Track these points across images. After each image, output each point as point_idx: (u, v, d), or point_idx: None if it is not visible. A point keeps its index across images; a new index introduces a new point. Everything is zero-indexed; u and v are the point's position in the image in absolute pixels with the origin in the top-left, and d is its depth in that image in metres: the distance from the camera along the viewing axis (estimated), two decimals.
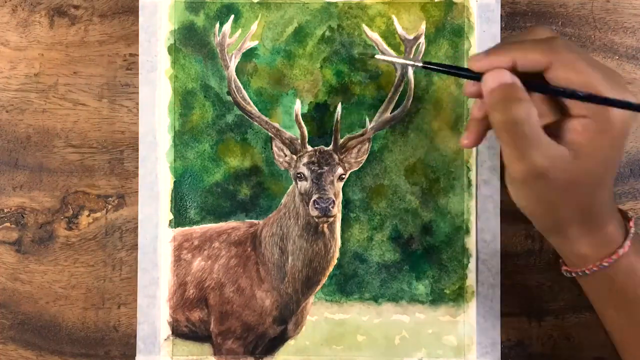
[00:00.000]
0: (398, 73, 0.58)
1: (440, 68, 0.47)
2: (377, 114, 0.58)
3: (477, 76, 0.44)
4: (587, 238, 0.45)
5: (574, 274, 0.48)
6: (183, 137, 0.58)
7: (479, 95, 0.44)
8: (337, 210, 0.57)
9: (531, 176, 0.41)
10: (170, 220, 0.59)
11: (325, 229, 0.58)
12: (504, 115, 0.41)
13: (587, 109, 0.41)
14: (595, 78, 0.41)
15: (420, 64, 0.47)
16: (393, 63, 0.57)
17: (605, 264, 0.45)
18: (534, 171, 0.41)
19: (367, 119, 0.58)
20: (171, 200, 0.58)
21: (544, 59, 0.41)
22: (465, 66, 0.50)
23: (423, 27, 0.58)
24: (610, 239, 0.45)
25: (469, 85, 0.46)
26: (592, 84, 0.41)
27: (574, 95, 0.41)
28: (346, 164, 0.58)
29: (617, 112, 0.41)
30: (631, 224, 0.46)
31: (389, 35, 0.58)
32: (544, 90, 0.43)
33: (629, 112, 0.41)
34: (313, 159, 0.58)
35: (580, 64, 0.41)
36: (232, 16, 0.58)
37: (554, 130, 0.43)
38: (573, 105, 0.42)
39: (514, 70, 0.43)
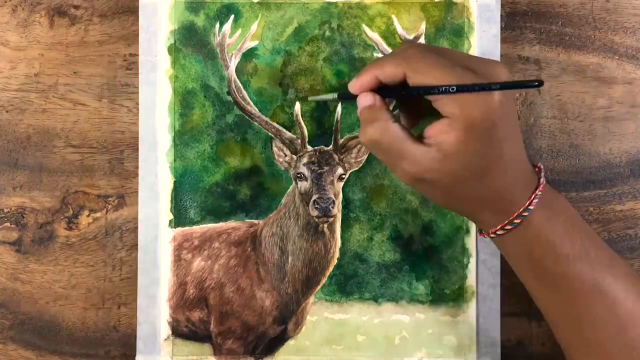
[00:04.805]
0: None
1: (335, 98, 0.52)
2: None
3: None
4: (495, 216, 0.45)
5: (487, 237, 0.47)
6: (183, 137, 0.58)
7: None
8: (337, 210, 0.57)
9: (410, 181, 0.45)
10: (170, 220, 0.59)
11: (325, 229, 0.58)
12: (364, 136, 0.45)
13: (449, 108, 0.42)
14: (445, 75, 0.42)
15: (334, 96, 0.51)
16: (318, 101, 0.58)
17: (509, 227, 0.44)
18: (410, 177, 0.44)
19: None
20: (171, 200, 0.58)
21: (399, 70, 0.43)
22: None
23: (423, 27, 0.58)
24: (518, 207, 0.44)
25: None
26: (444, 82, 0.42)
27: (419, 92, 0.43)
28: (346, 164, 0.58)
29: (474, 105, 0.42)
30: (540, 188, 0.44)
31: (389, 35, 0.58)
32: (402, 95, 0.45)
33: (493, 99, 0.42)
34: (313, 159, 0.58)
35: (430, 68, 0.43)
36: (232, 16, 0.58)
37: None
38: (440, 107, 0.43)
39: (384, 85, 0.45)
